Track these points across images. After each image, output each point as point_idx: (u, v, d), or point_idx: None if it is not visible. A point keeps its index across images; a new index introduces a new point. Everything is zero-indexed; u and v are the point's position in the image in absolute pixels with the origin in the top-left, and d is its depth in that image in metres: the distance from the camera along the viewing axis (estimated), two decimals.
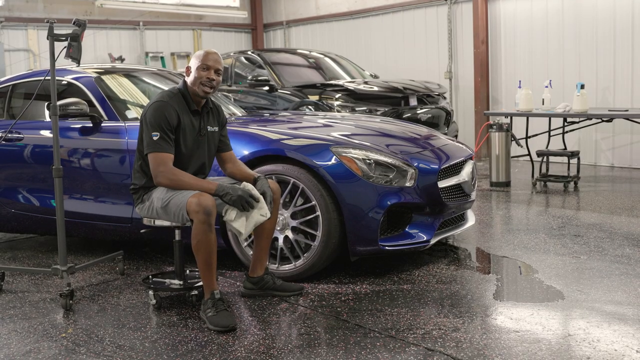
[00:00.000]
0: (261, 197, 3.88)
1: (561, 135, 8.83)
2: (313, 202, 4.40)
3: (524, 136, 8.71)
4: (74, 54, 4.37)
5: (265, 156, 4.59)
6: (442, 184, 4.73)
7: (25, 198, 5.43)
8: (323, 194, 4.37)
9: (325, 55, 10.66)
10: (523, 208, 6.93)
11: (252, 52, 10.35)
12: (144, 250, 5.51)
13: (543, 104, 8.45)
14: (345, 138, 4.74)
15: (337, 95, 8.64)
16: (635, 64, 9.32)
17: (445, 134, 9.04)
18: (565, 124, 8.64)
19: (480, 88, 10.95)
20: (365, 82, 9.15)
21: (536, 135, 8.82)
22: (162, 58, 13.58)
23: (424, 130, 5.62)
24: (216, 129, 4.22)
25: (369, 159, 4.46)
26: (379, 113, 8.46)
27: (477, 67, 10.95)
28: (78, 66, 4.80)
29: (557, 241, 5.39)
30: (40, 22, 12.22)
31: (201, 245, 3.73)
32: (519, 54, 10.68)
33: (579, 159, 8.09)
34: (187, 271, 4.41)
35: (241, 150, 4.61)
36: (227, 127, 4.45)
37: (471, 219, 5.31)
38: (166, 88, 4.45)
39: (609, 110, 7.81)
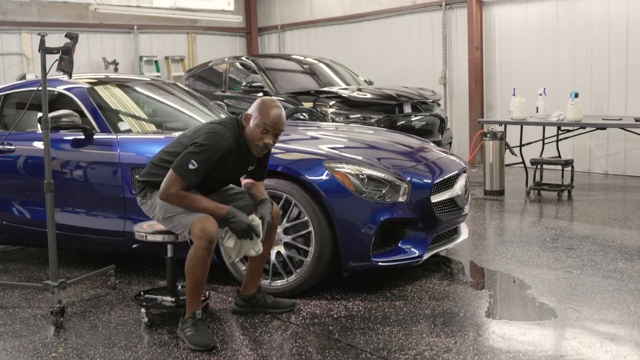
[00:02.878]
0: (259, 233, 3.82)
1: (555, 142, 8.83)
2: (305, 218, 4.38)
3: (518, 144, 8.70)
4: (66, 67, 4.36)
5: None
6: (435, 198, 4.71)
7: (17, 210, 5.40)
8: (315, 209, 4.36)
9: (320, 61, 10.64)
10: (516, 218, 6.92)
11: (247, 58, 10.32)
12: (137, 263, 5.48)
13: (537, 111, 8.45)
14: (338, 152, 4.71)
15: (331, 103, 8.62)
16: (629, 71, 9.33)
17: (440, 141, 9.03)
18: (560, 132, 8.63)
19: (475, 94, 10.93)
20: (359, 89, 9.12)
21: (530, 143, 8.81)
22: (156, 62, 13.53)
23: (417, 142, 5.61)
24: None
25: (362, 174, 4.45)
26: (373, 121, 8.44)
27: (472, 73, 10.94)
28: (70, 79, 4.78)
29: (550, 254, 5.39)
30: (34, 26, 12.18)
31: (197, 269, 3.71)
32: (514, 60, 10.66)
33: (572, 167, 8.08)
34: (179, 286, 4.38)
35: None
36: None
37: (464, 232, 5.30)
38: (218, 118, 4.28)
39: (603, 119, 7.81)
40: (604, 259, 5.20)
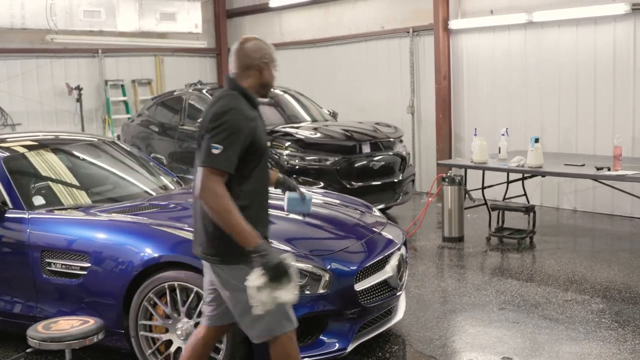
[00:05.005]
0: (294, 279, 3.17)
1: (521, 182, 8.56)
2: None
3: (481, 185, 8.41)
4: None
5: (170, 261, 4.26)
6: (361, 285, 4.42)
7: None
8: None
9: (286, 92, 10.33)
10: (469, 276, 6.58)
11: (207, 91, 10.01)
12: None
13: (499, 152, 8.15)
14: None
15: (287, 144, 8.32)
16: (597, 104, 9.02)
17: (400, 180, 8.73)
18: (524, 174, 8.33)
19: (442, 125, 10.62)
20: (315, 129, 8.78)
21: (491, 186, 8.52)
22: (122, 86, 13.19)
23: (353, 213, 5.31)
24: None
25: None
26: (329, 163, 8.15)
27: (439, 103, 10.62)
28: None
29: (493, 331, 5.09)
30: None
31: None
32: (482, 90, 10.34)
33: (534, 213, 7.77)
34: None
35: (151, 252, 4.25)
36: (139, 216, 3.96)
37: (400, 311, 5.00)
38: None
39: (565, 164, 7.46)
40: (549, 339, 4.90)
